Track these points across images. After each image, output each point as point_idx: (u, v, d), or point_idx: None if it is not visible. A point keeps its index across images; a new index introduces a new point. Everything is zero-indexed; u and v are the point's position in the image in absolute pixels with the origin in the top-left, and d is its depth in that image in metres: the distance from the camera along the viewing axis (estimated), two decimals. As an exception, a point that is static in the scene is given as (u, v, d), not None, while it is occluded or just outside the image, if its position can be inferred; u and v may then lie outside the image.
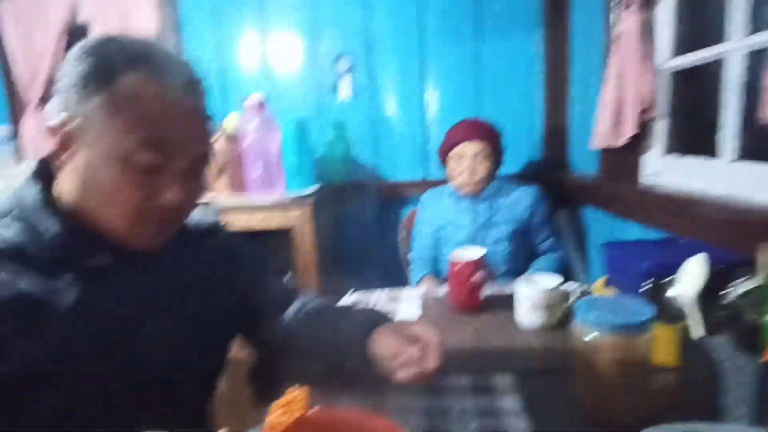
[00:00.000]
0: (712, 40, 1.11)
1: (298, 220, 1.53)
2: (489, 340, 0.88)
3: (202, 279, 0.69)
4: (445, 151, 1.54)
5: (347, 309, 0.77)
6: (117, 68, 0.53)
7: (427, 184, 1.99)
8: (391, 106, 2.04)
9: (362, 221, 2.13)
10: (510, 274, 1.47)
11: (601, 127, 1.36)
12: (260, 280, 0.78)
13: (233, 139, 1.62)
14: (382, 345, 0.64)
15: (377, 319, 0.70)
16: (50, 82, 1.82)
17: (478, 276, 1.00)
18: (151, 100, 0.54)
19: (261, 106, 1.52)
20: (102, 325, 0.57)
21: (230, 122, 1.67)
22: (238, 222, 1.52)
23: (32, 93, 1.86)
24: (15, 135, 1.92)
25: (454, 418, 0.64)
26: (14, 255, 0.52)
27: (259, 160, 1.55)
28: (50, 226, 0.55)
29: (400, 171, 2.08)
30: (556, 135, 1.93)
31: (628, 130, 1.27)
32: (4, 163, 1.79)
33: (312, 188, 1.67)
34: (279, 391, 0.73)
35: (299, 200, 1.55)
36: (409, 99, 2.03)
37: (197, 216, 0.73)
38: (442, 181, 1.91)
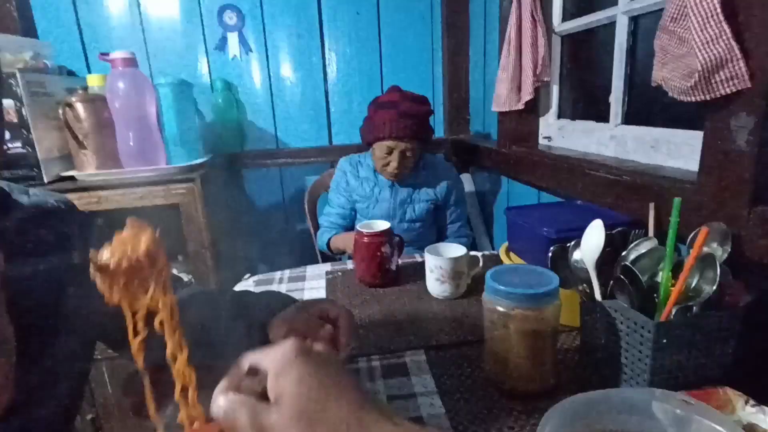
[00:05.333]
0: (602, 5, 1.13)
1: (185, 196, 1.35)
2: (398, 316, 0.84)
3: (40, 271, 0.55)
4: (370, 140, 1.39)
5: (243, 295, 0.66)
6: None
7: (332, 151, 1.91)
8: (287, 67, 1.88)
9: (261, 195, 1.98)
10: (421, 251, 1.47)
11: (501, 91, 1.37)
12: None
13: (99, 103, 1.36)
14: (285, 330, 0.56)
15: (278, 302, 0.61)
16: None
17: (386, 249, 0.96)
18: None
19: (127, 62, 1.28)
20: None
21: (93, 83, 1.41)
22: (110, 201, 1.33)
23: None
24: None
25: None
26: None
27: (132, 128, 1.33)
28: None
29: (300, 137, 1.95)
30: (457, 99, 1.93)
31: (526, 94, 1.29)
32: None
33: (200, 160, 1.49)
34: (163, 401, 0.62)
35: (185, 173, 1.37)
36: (308, 59, 1.89)
37: (36, 197, 0.59)
38: (347, 147, 1.84)
